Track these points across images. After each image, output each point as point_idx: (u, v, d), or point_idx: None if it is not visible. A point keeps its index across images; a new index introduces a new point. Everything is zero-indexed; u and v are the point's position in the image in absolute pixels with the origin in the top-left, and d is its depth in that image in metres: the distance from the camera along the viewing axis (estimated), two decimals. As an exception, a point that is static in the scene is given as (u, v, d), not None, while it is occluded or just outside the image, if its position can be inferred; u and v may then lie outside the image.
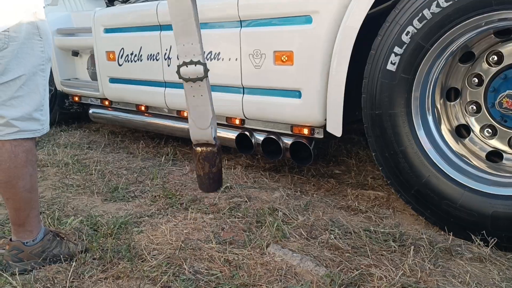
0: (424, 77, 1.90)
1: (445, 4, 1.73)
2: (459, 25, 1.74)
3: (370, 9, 1.94)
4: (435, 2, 1.75)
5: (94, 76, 3.81)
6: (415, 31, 1.83)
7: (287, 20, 2.26)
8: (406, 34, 1.85)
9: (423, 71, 1.88)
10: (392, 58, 1.90)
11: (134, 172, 2.89)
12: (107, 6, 4.08)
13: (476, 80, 1.97)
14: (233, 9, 2.42)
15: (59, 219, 2.12)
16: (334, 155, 3.12)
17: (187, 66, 1.73)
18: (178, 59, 1.86)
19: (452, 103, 2.07)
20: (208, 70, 1.71)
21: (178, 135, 3.24)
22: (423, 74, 1.89)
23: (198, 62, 1.72)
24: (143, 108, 3.31)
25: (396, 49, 1.89)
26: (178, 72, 1.77)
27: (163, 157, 3.20)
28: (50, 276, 1.62)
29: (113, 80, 3.38)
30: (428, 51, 1.83)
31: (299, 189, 2.50)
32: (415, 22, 1.81)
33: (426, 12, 1.78)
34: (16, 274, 1.60)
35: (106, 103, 3.61)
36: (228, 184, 2.54)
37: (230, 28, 2.47)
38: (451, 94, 2.07)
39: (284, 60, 2.28)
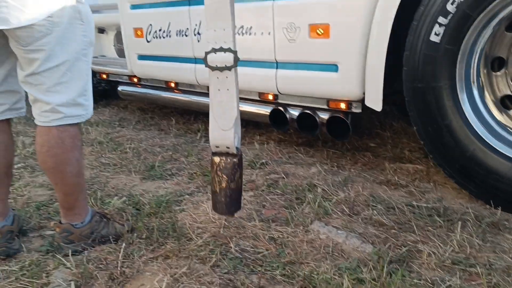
0: (470, 47, 1.83)
1: (495, -30, 1.65)
2: (509, -8, 1.66)
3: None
4: (484, -32, 1.67)
5: (121, 53, 3.80)
6: (461, 0, 1.75)
7: (323, -9, 2.19)
8: (452, 3, 1.78)
9: (469, 41, 1.82)
10: (436, 28, 1.84)
11: (168, 150, 2.91)
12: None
13: (523, 49, 1.90)
14: (265, -19, 2.36)
15: (102, 199, 2.15)
16: (368, 127, 3.08)
17: (215, 53, 1.53)
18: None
19: (496, 73, 2.00)
20: (239, 59, 1.52)
21: (207, 110, 3.21)
22: (469, 44, 1.83)
23: (229, 50, 1.53)
24: (172, 84, 3.30)
25: (441, 19, 1.82)
26: (205, 59, 1.56)
27: (195, 134, 3.21)
28: (102, 257, 1.65)
29: (141, 57, 3.36)
30: (475, 20, 1.76)
31: (335, 164, 2.49)
32: (462, -10, 1.74)
33: (474, -21, 1.70)
34: (68, 255, 1.64)
35: (135, 80, 3.61)
36: (263, 160, 2.54)
37: (263, 1, 2.41)
38: (495, 64, 2.00)
39: (320, 33, 2.22)
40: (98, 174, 2.52)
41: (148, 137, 3.22)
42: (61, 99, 1.50)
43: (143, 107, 4.21)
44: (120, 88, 3.81)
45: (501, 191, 1.82)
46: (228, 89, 1.56)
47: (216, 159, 1.60)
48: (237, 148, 1.58)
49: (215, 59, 1.54)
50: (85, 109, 1.58)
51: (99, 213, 1.81)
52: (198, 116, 3.67)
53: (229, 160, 1.59)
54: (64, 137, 1.53)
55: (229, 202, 1.61)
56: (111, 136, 3.24)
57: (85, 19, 1.51)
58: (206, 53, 1.57)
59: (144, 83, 3.58)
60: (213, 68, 1.56)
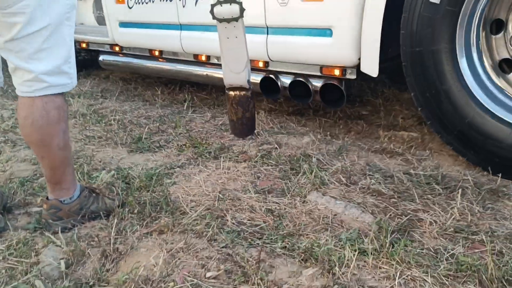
0: (471, 9, 1.76)
1: None
2: (514, -50, 1.59)
3: None
4: None
5: (101, 21, 3.63)
6: (464, -42, 1.67)
7: (316, -49, 2.08)
8: (453, -38, 1.70)
9: (470, 2, 1.75)
10: (436, -11, 1.76)
11: (154, 121, 2.81)
12: None
13: (524, 11, 1.84)
14: None
15: (88, 173, 2.07)
16: (359, 95, 3.02)
17: (221, 5, 1.60)
18: None
19: (495, 36, 1.94)
20: (244, 9, 1.59)
21: (194, 80, 3.12)
22: (470, 5, 1.76)
23: (233, 1, 1.59)
24: (156, 53, 3.17)
25: (441, -21, 1.74)
26: (211, 11, 1.65)
27: (181, 104, 3.11)
28: (93, 233, 1.59)
29: (123, 25, 3.21)
30: (478, -20, 1.68)
31: (328, 133, 2.43)
32: None
33: None
34: (58, 232, 1.57)
35: (117, 49, 3.46)
36: (255, 130, 2.47)
37: (252, -38, 2.29)
38: (493, 26, 1.94)
39: (313, -4, 2.12)
40: (83, 147, 2.42)
41: (132, 109, 3.11)
42: (44, 67, 1.39)
43: (125, 77, 4.07)
44: (101, 57, 3.65)
45: (499, 157, 1.79)
46: (236, 37, 1.68)
47: (231, 93, 1.80)
48: (248, 84, 1.76)
49: (221, 11, 1.63)
50: (70, 77, 1.48)
51: (87, 187, 1.73)
52: (184, 86, 3.56)
53: (243, 93, 1.80)
54: (49, 108, 1.43)
55: (245, 128, 1.92)
56: (94, 108, 3.12)
57: (68, -19, 1.39)
58: (212, 6, 1.65)
59: (126, 52, 3.44)
60: (220, 20, 1.66)
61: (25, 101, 1.44)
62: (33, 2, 1.30)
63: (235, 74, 1.74)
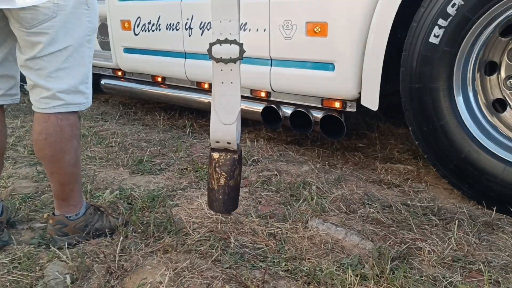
0: (468, 50, 1.87)
1: (497, -24, 1.69)
2: (509, -2, 1.70)
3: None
4: (486, -27, 1.71)
5: (104, 46, 3.71)
6: (462, 3, 1.79)
7: (321, -10, 2.20)
8: (452, 6, 1.81)
9: (467, 44, 1.86)
10: (436, 30, 1.87)
11: (155, 145, 2.85)
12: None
13: (517, 54, 1.95)
14: (262, -23, 2.35)
15: (91, 193, 2.09)
16: (354, 128, 3.10)
17: (220, 45, 1.48)
18: (212, 34, 1.67)
19: (490, 77, 2.04)
20: (244, 51, 1.49)
21: (195, 106, 3.19)
22: (467, 47, 1.87)
23: (234, 41, 1.48)
24: (159, 79, 3.25)
25: (441, 22, 1.85)
26: (209, 50, 1.51)
27: (182, 130, 3.17)
28: (98, 250, 1.60)
29: (127, 50, 3.29)
30: (475, 23, 1.80)
31: (326, 162, 2.49)
32: (463, -7, 1.77)
33: (475, -16, 1.74)
34: (63, 247, 1.58)
35: (119, 73, 3.53)
36: (255, 157, 2.53)
37: (259, -3, 2.40)
38: (487, 68, 2.05)
39: (317, 31, 2.23)
40: (85, 167, 2.45)
41: (133, 132, 3.15)
42: (62, 85, 1.44)
43: (125, 102, 4.13)
44: (103, 81, 3.71)
45: (494, 192, 1.86)
46: (232, 82, 1.51)
47: (215, 155, 1.54)
48: (237, 144, 1.54)
49: (220, 50, 1.49)
50: (86, 97, 1.53)
51: (93, 205, 1.75)
52: (183, 111, 3.63)
53: (228, 156, 1.53)
54: (63, 125, 1.48)
55: (227, 200, 1.55)
56: (95, 129, 3.16)
57: (91, 5, 1.46)
58: (211, 44, 1.52)
59: (128, 77, 3.51)
60: (217, 60, 1.51)
61: (40, 117, 1.48)
62: (57, 24, 1.37)
63: (224, 126, 1.53)
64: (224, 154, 1.53)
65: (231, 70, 1.50)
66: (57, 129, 1.49)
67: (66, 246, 1.59)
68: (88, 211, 1.70)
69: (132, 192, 2.10)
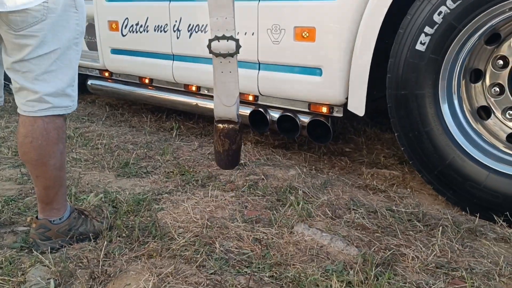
0: (453, 58, 1.89)
1: (482, -15, 1.71)
2: (493, 7, 1.73)
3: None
4: (472, -18, 1.73)
5: (91, 46, 3.67)
6: (448, 11, 1.81)
7: (310, -5, 2.20)
8: (439, 14, 1.83)
9: (453, 52, 1.88)
10: (422, 38, 1.89)
11: (141, 147, 2.83)
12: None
13: (501, 62, 1.97)
14: (251, -19, 2.35)
15: (76, 196, 2.07)
16: (341, 132, 3.12)
17: (219, 41, 1.64)
18: (211, 31, 1.78)
19: (474, 84, 2.07)
20: (240, 46, 1.65)
21: (181, 109, 3.18)
22: (453, 55, 1.89)
23: (231, 38, 1.64)
24: (147, 80, 3.23)
25: (427, 29, 1.87)
26: (209, 46, 1.68)
27: (169, 132, 3.15)
28: (81, 255, 1.58)
29: (115, 51, 3.27)
30: (460, 32, 1.82)
31: (313, 167, 2.50)
32: (449, 2, 1.79)
33: (461, -8, 1.76)
34: (46, 252, 1.56)
35: (106, 74, 3.50)
36: (242, 161, 2.52)
37: (248, 1, 2.40)
38: (473, 75, 2.07)
39: (305, 36, 2.23)
40: (70, 169, 2.42)
41: (119, 134, 3.13)
42: (49, 88, 1.43)
43: (112, 103, 4.09)
44: (89, 82, 3.68)
45: (477, 198, 1.88)
46: (230, 71, 1.72)
47: (220, 126, 1.80)
48: (237, 117, 1.78)
49: (218, 46, 1.67)
50: (72, 100, 1.52)
51: (77, 209, 1.74)
52: (171, 114, 3.61)
53: (231, 126, 1.79)
54: (49, 129, 1.46)
55: (231, 160, 1.87)
56: (81, 131, 3.13)
57: (79, 7, 1.45)
58: (210, 41, 1.69)
59: (115, 78, 3.48)
60: (217, 55, 1.69)
61: (26, 120, 1.46)
62: (46, 26, 1.35)
63: (226, 107, 1.77)
64: (227, 125, 1.80)
65: (229, 62, 1.71)
66: (43, 133, 1.47)
67: (49, 250, 1.57)
68: (72, 215, 1.68)
69: (117, 195, 2.08)
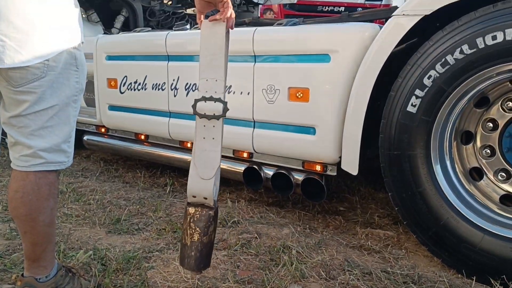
0: (444, 120, 1.93)
1: (469, 51, 1.78)
2: (481, 72, 1.79)
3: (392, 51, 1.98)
4: (459, 48, 1.80)
5: (89, 102, 3.73)
6: (438, 75, 1.87)
7: (304, 58, 2.28)
8: (428, 78, 1.89)
9: (443, 114, 1.92)
10: (413, 100, 1.93)
11: (134, 203, 2.81)
12: (105, 33, 4.05)
13: (491, 125, 2.02)
14: (248, 43, 2.43)
15: (64, 252, 2.02)
16: (336, 191, 3.11)
17: (205, 102, 1.54)
18: (198, 91, 1.72)
19: (466, 146, 2.10)
20: (228, 109, 1.54)
21: (176, 165, 3.19)
22: (443, 117, 1.93)
23: (219, 100, 1.54)
24: (142, 137, 3.25)
25: (418, 92, 1.92)
26: (194, 106, 1.56)
27: (162, 188, 3.14)
28: (66, 315, 1.53)
29: (112, 108, 3.32)
30: (450, 95, 1.87)
31: (307, 225, 2.47)
32: (438, 66, 1.86)
33: (449, 58, 1.83)
34: (29, 312, 1.51)
35: (103, 130, 3.53)
36: (235, 219, 2.50)
37: (244, 62, 2.48)
38: (464, 137, 2.11)
39: (299, 96, 2.29)
40: (60, 225, 2.38)
41: (112, 189, 3.11)
42: (44, 143, 1.43)
43: (106, 158, 4.10)
44: (85, 137, 3.70)
45: (473, 261, 1.85)
46: (213, 138, 1.55)
47: (191, 209, 1.54)
48: (214, 200, 1.53)
49: (204, 107, 1.55)
50: (68, 156, 1.52)
51: (65, 266, 1.69)
52: (165, 169, 3.60)
53: (204, 212, 1.52)
54: (41, 184, 1.45)
55: (199, 258, 1.53)
56: (74, 186, 3.11)
57: (80, 66, 1.49)
58: (196, 101, 1.58)
59: (111, 134, 3.51)
60: (200, 116, 1.56)
61: (18, 174, 1.46)
62: (45, 83, 1.38)
63: (202, 180, 1.52)
64: (200, 210, 1.53)
65: (213, 126, 1.55)
66: (34, 188, 1.46)
67: (33, 310, 1.51)
68: (59, 272, 1.63)
69: (107, 252, 2.04)
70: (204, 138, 1.54)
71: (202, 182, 1.52)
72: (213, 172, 1.52)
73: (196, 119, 1.55)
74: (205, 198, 1.52)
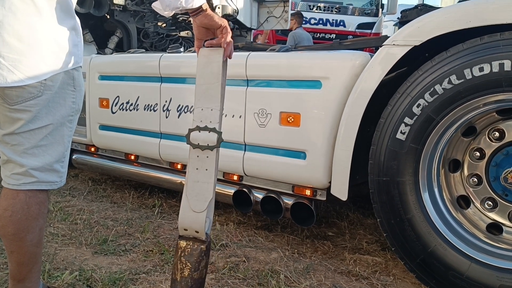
0: (432, 148, 1.96)
1: (457, 82, 1.83)
2: (468, 102, 1.83)
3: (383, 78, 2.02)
4: (447, 79, 1.85)
5: (80, 122, 3.70)
6: (426, 104, 1.91)
7: (296, 83, 2.31)
8: (417, 106, 1.93)
9: (432, 142, 1.95)
10: (402, 127, 1.97)
11: (121, 224, 2.78)
12: (98, 53, 4.07)
13: (478, 154, 2.05)
14: (241, 67, 2.47)
15: (49, 273, 1.99)
16: (324, 216, 3.12)
17: (199, 131, 1.49)
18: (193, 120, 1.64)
19: (453, 174, 2.13)
20: (222, 140, 1.50)
21: (166, 186, 3.18)
22: (432, 145, 1.96)
23: (214, 130, 1.48)
24: (132, 157, 3.24)
25: (407, 120, 1.95)
26: (187, 135, 1.51)
27: (150, 209, 3.12)
28: (49, 338, 1.50)
29: (103, 127, 3.31)
30: (438, 123, 1.90)
31: (296, 250, 2.47)
32: (427, 95, 1.90)
33: (437, 88, 1.87)
34: (11, 334, 1.47)
35: (92, 149, 3.52)
36: (223, 242, 2.48)
37: (236, 86, 2.50)
38: (451, 165, 2.14)
39: (291, 121, 2.31)
40: (46, 245, 2.35)
41: (100, 209, 3.08)
42: (36, 162, 1.43)
43: (94, 178, 4.06)
44: (74, 156, 3.68)
45: (460, 288, 1.86)
46: (206, 169, 1.50)
47: (182, 243, 1.49)
48: (206, 234, 1.49)
49: (198, 137, 1.50)
50: (60, 176, 1.51)
51: (50, 287, 1.66)
52: (154, 190, 3.59)
53: (196, 246, 1.48)
54: (31, 203, 1.44)
55: None
56: (61, 205, 3.07)
57: (77, 86, 1.49)
58: (190, 130, 1.53)
59: (101, 153, 3.50)
60: (194, 146, 1.51)
61: (9, 192, 1.44)
62: (41, 102, 1.38)
63: (193, 213, 1.48)
64: (191, 244, 1.48)
65: (207, 157, 1.50)
66: (24, 207, 1.45)
67: (14, 332, 1.48)
68: (43, 293, 1.61)
69: (93, 273, 2.01)
70: (197, 169, 1.50)
71: (193, 215, 1.47)
72: (205, 204, 1.47)
73: (189, 149, 1.51)
74: (197, 232, 1.47)
